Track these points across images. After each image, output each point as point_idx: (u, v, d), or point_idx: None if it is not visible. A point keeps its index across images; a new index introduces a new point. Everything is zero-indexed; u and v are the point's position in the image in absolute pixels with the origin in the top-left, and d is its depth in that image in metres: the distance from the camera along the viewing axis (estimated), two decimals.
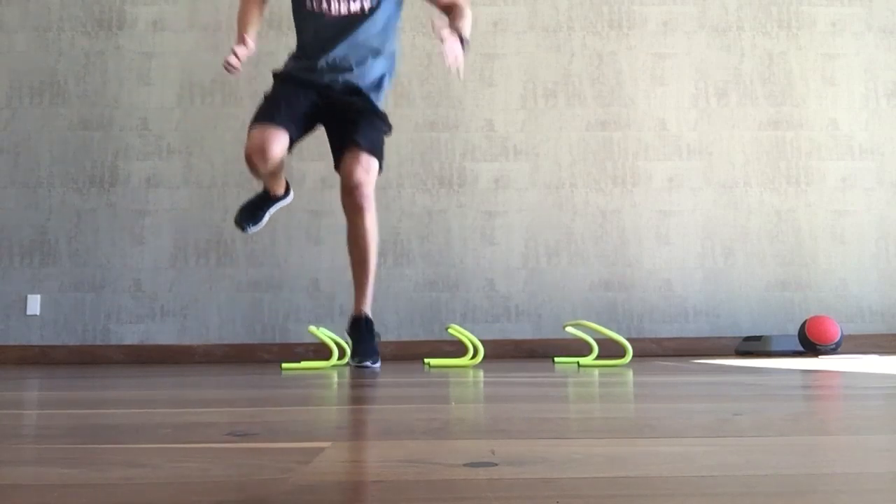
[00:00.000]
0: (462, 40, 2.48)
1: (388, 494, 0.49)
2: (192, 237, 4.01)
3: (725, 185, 4.15)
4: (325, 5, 2.55)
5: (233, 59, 2.39)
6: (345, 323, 3.96)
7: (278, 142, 2.46)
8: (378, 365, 2.61)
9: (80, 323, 3.93)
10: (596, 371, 2.27)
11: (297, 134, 2.58)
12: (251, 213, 2.87)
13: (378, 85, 2.66)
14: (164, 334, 3.94)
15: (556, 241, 4.07)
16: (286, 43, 4.17)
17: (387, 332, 3.97)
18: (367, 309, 2.69)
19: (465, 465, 0.59)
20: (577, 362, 2.86)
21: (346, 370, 2.59)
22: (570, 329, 2.91)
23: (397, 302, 3.99)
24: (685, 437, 0.75)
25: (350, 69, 2.59)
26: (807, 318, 3.65)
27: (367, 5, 2.55)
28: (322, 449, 0.68)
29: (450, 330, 3.07)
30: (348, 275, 3.97)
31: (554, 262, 4.05)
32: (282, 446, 0.71)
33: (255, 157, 2.45)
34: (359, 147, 2.50)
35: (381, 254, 4.03)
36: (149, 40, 4.17)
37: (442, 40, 2.42)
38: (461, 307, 3.98)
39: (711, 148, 4.18)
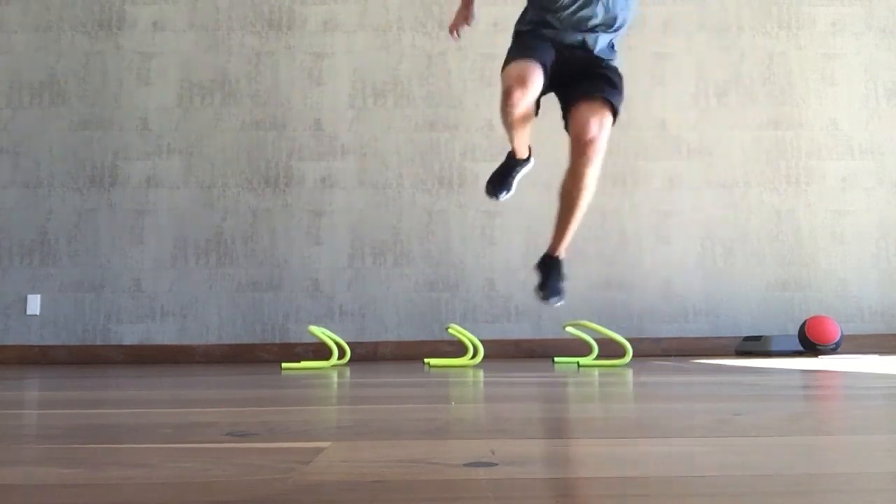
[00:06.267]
0: None
1: (388, 494, 0.49)
2: (192, 237, 4.01)
3: (725, 185, 4.15)
4: None
5: (454, 35, 2.47)
6: (345, 323, 3.98)
7: (537, 74, 2.40)
8: (561, 302, 2.58)
9: (80, 323, 3.93)
10: (596, 371, 2.27)
11: (545, 82, 2.50)
12: (501, 180, 2.79)
13: (612, 47, 2.60)
14: (164, 334, 3.94)
15: None
16: (286, 43, 4.18)
17: (387, 332, 3.97)
18: (562, 252, 2.67)
19: (465, 465, 0.59)
20: (577, 362, 2.86)
21: (346, 370, 2.59)
22: (570, 329, 2.91)
23: (397, 302, 3.99)
24: (685, 437, 0.75)
25: (589, 27, 2.52)
26: (807, 318, 3.65)
27: None
28: (322, 449, 0.68)
29: (450, 330, 3.07)
30: (348, 274, 4.00)
31: None
32: (282, 446, 0.71)
33: (515, 89, 2.37)
34: (596, 98, 2.44)
35: (381, 254, 4.03)
36: (149, 40, 4.17)
37: None
38: (461, 307, 3.98)
39: (711, 148, 4.18)
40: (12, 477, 0.57)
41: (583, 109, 2.45)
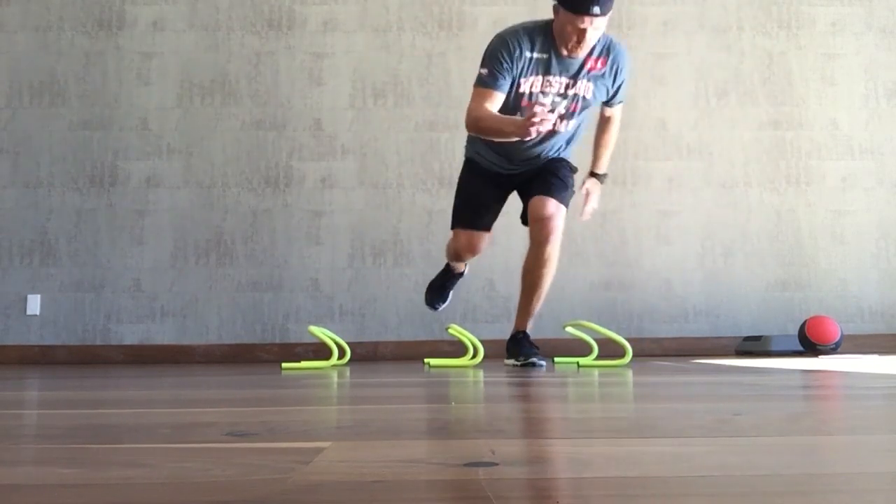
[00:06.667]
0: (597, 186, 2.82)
1: (388, 494, 0.49)
2: (192, 237, 4.01)
3: (725, 185, 4.15)
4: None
5: (539, 111, 2.25)
6: (345, 323, 3.98)
7: (484, 240, 2.80)
8: (543, 364, 2.62)
9: (80, 323, 3.93)
10: (596, 371, 2.27)
11: (496, 219, 2.86)
12: (440, 292, 3.15)
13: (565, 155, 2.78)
14: (164, 334, 3.94)
15: None
16: (286, 43, 4.18)
17: (387, 332, 3.97)
18: (528, 328, 2.79)
19: (465, 465, 0.59)
20: (577, 362, 2.86)
21: (346, 370, 2.59)
22: (570, 329, 2.91)
23: (397, 302, 3.99)
24: (685, 437, 0.75)
25: (543, 157, 2.70)
26: (807, 318, 3.65)
27: (570, 122, 2.61)
28: (322, 449, 0.68)
29: (450, 330, 3.07)
30: (348, 274, 4.00)
31: None
32: (282, 446, 0.71)
33: (465, 255, 2.85)
34: (555, 199, 2.62)
35: (381, 254, 4.03)
36: (149, 40, 4.17)
37: (586, 194, 2.79)
38: (461, 307, 3.97)
39: (711, 148, 4.17)
40: (12, 477, 0.57)
41: (539, 202, 2.63)
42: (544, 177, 2.66)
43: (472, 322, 3.94)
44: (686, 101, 4.20)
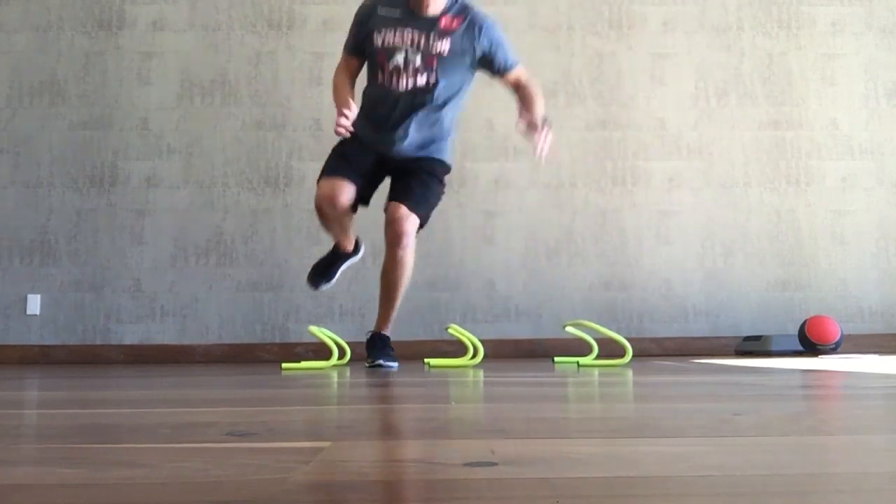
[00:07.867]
0: (545, 124, 2.54)
1: (388, 494, 0.49)
2: (192, 237, 4.01)
3: (725, 185, 4.15)
4: (394, 81, 2.64)
5: (344, 122, 2.46)
6: (345, 323, 3.98)
7: (345, 192, 2.65)
8: (394, 365, 2.69)
9: (80, 323, 3.93)
10: (596, 371, 2.27)
11: (365, 188, 2.76)
12: (323, 271, 2.98)
13: (440, 146, 2.78)
14: (164, 334, 3.94)
15: (556, 240, 4.07)
16: (286, 43, 4.18)
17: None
18: (387, 330, 2.81)
19: (465, 465, 0.59)
20: (577, 362, 2.86)
21: (346, 370, 2.59)
22: (570, 329, 2.91)
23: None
24: (685, 437, 0.75)
25: (414, 140, 2.71)
26: (807, 318, 3.65)
27: (431, 80, 2.64)
28: (322, 449, 0.68)
29: (450, 330, 3.07)
30: (348, 274, 3.99)
31: (554, 261, 4.05)
32: (282, 446, 0.71)
33: (324, 205, 2.65)
34: (407, 206, 2.65)
35: (381, 253, 4.02)
36: (149, 40, 4.17)
37: (528, 134, 2.55)
38: (461, 307, 3.97)
39: (711, 148, 4.18)
40: (12, 477, 0.57)
41: (393, 207, 2.67)
42: (409, 181, 2.70)
43: (472, 322, 3.94)
44: (686, 101, 4.20)
